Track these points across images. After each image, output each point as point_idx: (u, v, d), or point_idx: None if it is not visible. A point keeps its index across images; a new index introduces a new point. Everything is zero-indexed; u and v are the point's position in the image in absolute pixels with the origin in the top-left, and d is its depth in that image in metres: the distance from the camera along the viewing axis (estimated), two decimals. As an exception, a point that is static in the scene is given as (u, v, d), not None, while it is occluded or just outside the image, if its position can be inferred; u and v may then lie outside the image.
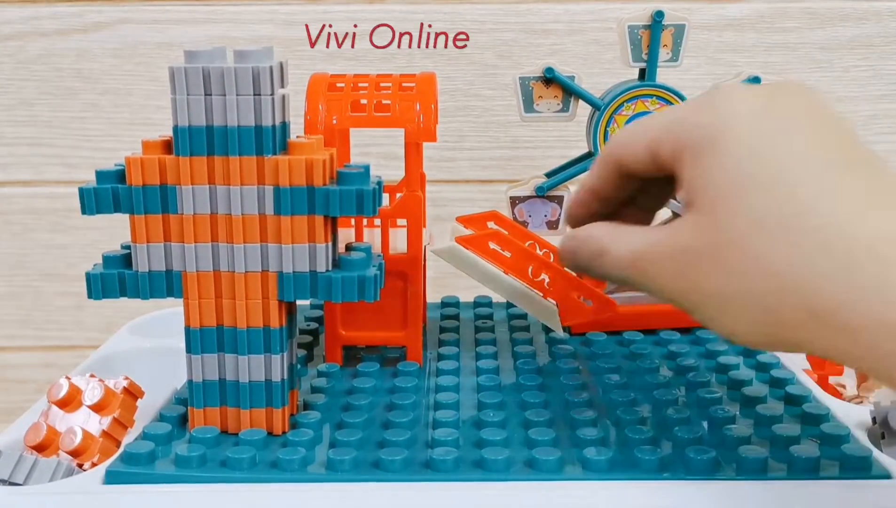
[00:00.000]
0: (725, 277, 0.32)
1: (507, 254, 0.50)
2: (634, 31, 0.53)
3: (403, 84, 0.48)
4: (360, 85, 0.48)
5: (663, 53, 0.53)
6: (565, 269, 0.49)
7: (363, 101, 0.48)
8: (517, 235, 0.53)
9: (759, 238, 0.32)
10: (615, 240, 0.37)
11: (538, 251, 0.53)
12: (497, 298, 0.61)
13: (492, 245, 0.50)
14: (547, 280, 0.51)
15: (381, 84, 0.48)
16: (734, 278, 0.32)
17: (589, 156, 0.56)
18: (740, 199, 0.32)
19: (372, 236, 0.52)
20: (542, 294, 0.51)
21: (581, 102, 0.54)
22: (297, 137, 0.40)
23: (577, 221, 0.41)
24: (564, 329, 0.52)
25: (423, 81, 0.48)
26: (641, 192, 0.40)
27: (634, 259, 0.36)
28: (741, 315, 0.33)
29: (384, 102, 0.47)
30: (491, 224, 0.54)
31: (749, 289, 0.32)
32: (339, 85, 0.48)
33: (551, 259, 0.52)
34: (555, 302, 0.51)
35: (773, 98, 0.34)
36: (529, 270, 0.50)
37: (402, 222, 0.51)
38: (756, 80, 0.53)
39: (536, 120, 0.55)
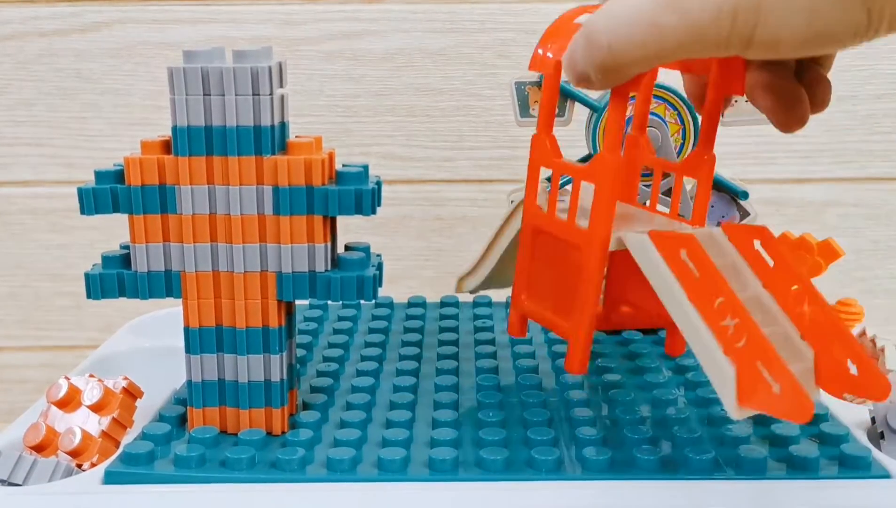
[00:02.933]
0: None
1: (697, 273, 0.36)
2: None
3: None
4: None
5: None
6: None
7: None
8: (780, 263, 0.38)
9: None
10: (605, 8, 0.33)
11: (792, 288, 0.37)
12: (497, 298, 0.61)
13: (683, 255, 0.36)
14: (731, 328, 0.34)
15: None
16: None
17: (589, 158, 0.56)
18: None
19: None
20: (722, 348, 0.34)
21: (578, 103, 0.54)
22: (296, 137, 0.40)
23: None
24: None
25: None
26: None
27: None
28: None
29: None
30: (757, 243, 0.39)
31: None
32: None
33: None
34: (734, 366, 0.33)
35: None
36: (716, 303, 0.35)
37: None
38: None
39: (532, 124, 0.55)
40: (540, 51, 0.39)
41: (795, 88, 0.37)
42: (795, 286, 0.36)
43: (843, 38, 0.30)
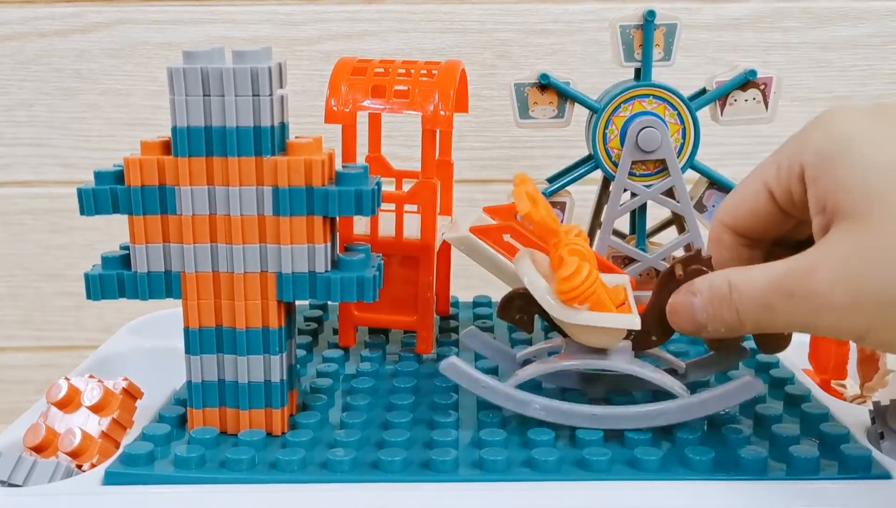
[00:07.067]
0: None
1: (521, 248, 0.49)
2: (626, 31, 0.53)
3: (424, 71, 0.49)
4: (377, 71, 0.49)
5: (655, 53, 0.53)
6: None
7: (400, 87, 0.48)
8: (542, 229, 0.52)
9: None
10: (744, 274, 0.35)
11: None
12: (498, 298, 0.61)
13: (507, 238, 0.49)
14: None
15: (401, 71, 0.49)
16: None
17: (589, 159, 0.56)
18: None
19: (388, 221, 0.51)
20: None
21: (577, 104, 0.54)
22: (296, 137, 0.40)
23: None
24: None
25: (446, 69, 0.49)
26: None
27: (774, 287, 0.34)
28: None
29: (398, 87, 0.48)
30: (518, 217, 0.53)
31: None
32: (366, 68, 0.49)
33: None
34: None
35: (879, 111, 0.34)
36: None
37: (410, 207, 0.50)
38: (752, 73, 0.53)
39: (532, 126, 0.55)
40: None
41: None
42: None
43: None
